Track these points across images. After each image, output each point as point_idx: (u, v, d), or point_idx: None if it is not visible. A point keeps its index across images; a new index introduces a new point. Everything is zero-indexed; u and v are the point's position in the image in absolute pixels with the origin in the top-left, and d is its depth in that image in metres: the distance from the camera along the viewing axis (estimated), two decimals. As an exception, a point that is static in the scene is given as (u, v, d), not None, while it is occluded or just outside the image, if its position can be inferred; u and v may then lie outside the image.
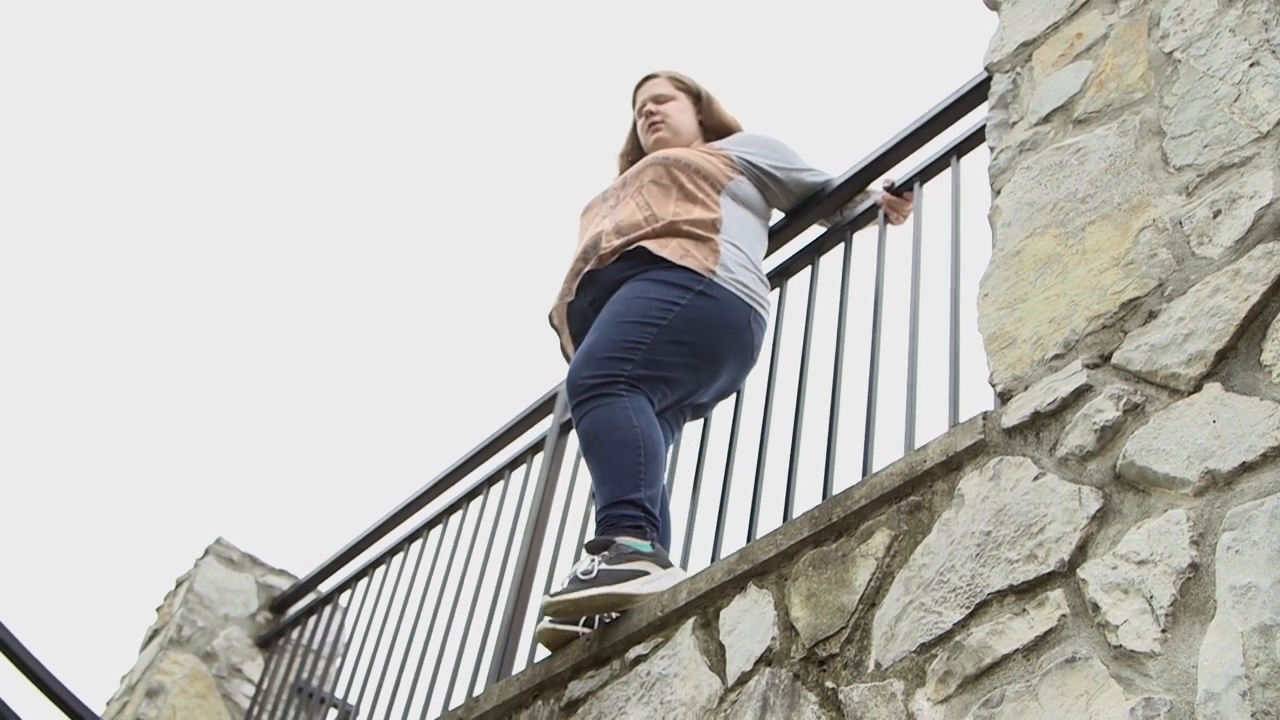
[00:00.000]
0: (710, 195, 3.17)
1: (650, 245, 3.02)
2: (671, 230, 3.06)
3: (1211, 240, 1.95)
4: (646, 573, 2.65)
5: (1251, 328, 1.82)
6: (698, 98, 3.54)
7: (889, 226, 3.11)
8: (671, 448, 3.20)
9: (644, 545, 2.70)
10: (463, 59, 16.28)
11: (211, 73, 15.97)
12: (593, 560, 2.66)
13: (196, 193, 15.69)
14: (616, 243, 3.08)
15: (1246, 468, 1.70)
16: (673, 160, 3.23)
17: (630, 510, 2.75)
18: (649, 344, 2.89)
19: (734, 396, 3.19)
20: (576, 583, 2.62)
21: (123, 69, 15.84)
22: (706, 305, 2.95)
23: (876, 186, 3.22)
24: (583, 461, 3.41)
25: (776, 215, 3.41)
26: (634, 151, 3.57)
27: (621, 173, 3.56)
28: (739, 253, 3.09)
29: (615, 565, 2.63)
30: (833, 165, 3.38)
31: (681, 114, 3.49)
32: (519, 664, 3.25)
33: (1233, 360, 1.82)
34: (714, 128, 3.52)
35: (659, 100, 3.50)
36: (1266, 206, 1.89)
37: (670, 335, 2.91)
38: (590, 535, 3.16)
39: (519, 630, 3.35)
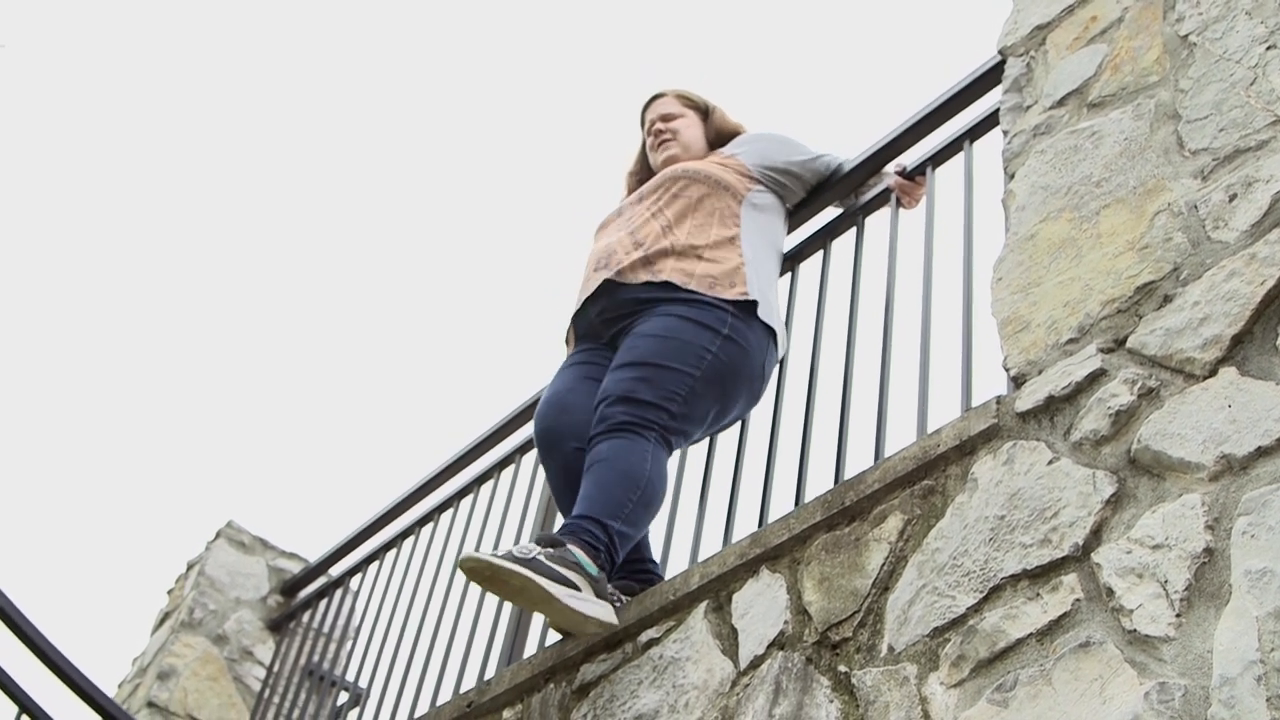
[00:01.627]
0: (730, 207, 3.15)
1: (675, 277, 2.99)
2: (693, 252, 3.04)
3: (1227, 224, 1.94)
4: (579, 590, 2.53)
5: (1267, 312, 1.81)
6: (705, 113, 3.52)
7: (901, 210, 3.09)
8: None
9: (592, 567, 2.60)
10: (463, 61, 16.25)
11: (212, 72, 15.97)
12: (533, 548, 2.55)
13: (207, 182, 15.70)
14: (636, 255, 3.05)
15: (1262, 452, 1.69)
16: (690, 173, 3.21)
17: (598, 531, 2.65)
18: (685, 395, 2.85)
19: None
20: (508, 555, 2.50)
21: (123, 69, 15.86)
22: (733, 352, 2.91)
23: (890, 169, 3.21)
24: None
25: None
26: (643, 171, 3.55)
27: (630, 190, 3.55)
28: (760, 274, 3.06)
29: (553, 564, 2.52)
30: (846, 150, 3.37)
31: (690, 130, 3.47)
32: (530, 647, 3.25)
33: (1248, 344, 1.81)
34: (722, 138, 3.51)
35: (667, 119, 3.48)
36: (1283, 190, 1.88)
37: (701, 385, 2.87)
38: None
39: (531, 613, 3.36)
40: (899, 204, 3.10)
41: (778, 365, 3.11)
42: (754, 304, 2.97)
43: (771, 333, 3.01)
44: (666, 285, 2.98)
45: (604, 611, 2.56)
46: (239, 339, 16.28)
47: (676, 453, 3.18)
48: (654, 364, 2.87)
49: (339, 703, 4.57)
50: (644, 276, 3.02)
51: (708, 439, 3.14)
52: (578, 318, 3.17)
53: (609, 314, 3.07)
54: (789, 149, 3.32)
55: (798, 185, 3.30)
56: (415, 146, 16.30)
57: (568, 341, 3.28)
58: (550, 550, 2.55)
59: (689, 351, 2.88)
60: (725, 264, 3.02)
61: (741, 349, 2.93)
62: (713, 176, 3.19)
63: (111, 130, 15.53)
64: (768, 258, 3.13)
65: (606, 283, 3.07)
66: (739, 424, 3.09)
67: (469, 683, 3.39)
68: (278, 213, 16.05)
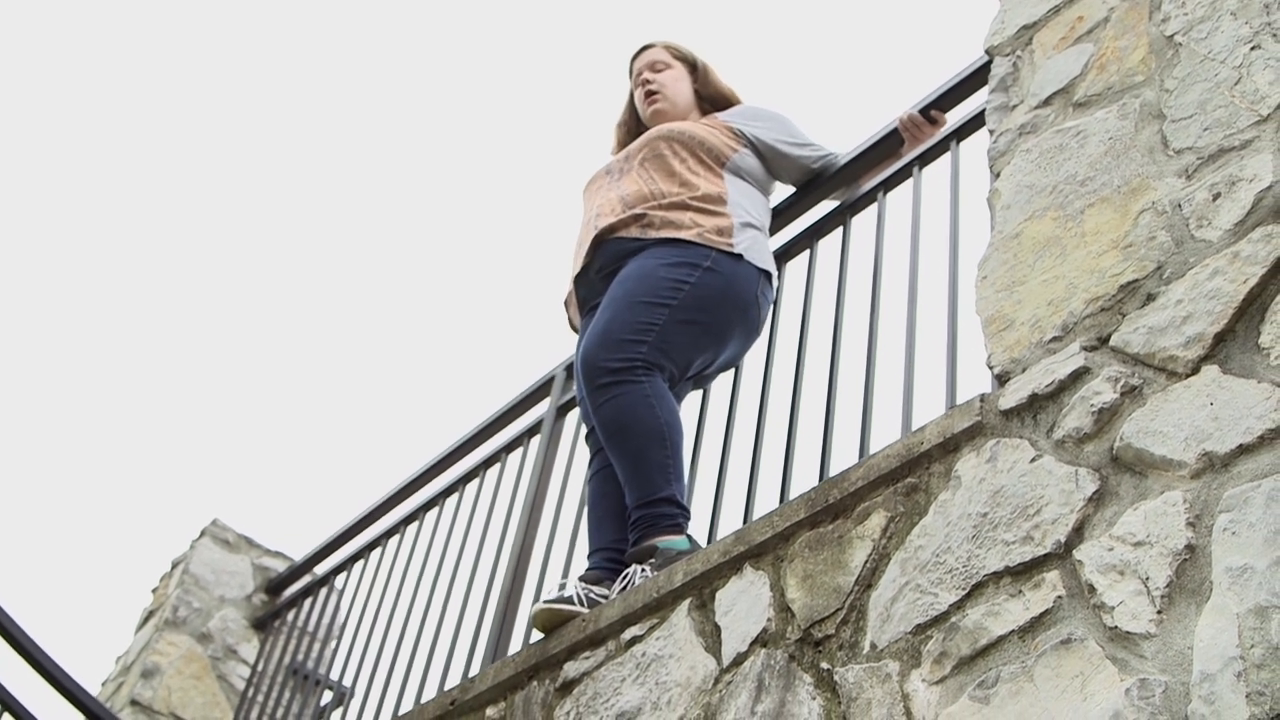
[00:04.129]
0: (714, 169, 3.19)
1: (665, 230, 3.03)
2: (679, 205, 3.07)
3: (1211, 223, 1.94)
4: None
5: (1250, 310, 1.82)
6: (694, 67, 3.55)
7: (888, 203, 3.08)
8: None
9: (682, 542, 2.72)
10: (453, 49, 16.26)
11: (210, 72, 15.94)
12: (641, 570, 2.66)
13: (197, 181, 15.67)
14: (624, 215, 3.10)
15: (1243, 450, 1.70)
16: (675, 134, 3.24)
17: (666, 508, 2.77)
18: (661, 325, 2.90)
19: (732, 377, 3.19)
20: (628, 591, 2.61)
21: (123, 68, 15.82)
22: (714, 281, 2.96)
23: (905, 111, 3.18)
24: (581, 444, 3.42)
25: (780, 189, 3.41)
26: (632, 121, 3.58)
27: (620, 143, 3.58)
28: (748, 218, 3.10)
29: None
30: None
31: (678, 83, 3.50)
32: (514, 645, 3.25)
33: (1231, 343, 1.82)
34: (710, 97, 3.53)
35: (655, 69, 3.51)
36: (1266, 190, 1.89)
37: (681, 315, 2.92)
38: (584, 521, 3.16)
39: (514, 611, 3.36)
40: (901, 140, 3.11)
41: (772, 305, 3.15)
42: (742, 245, 3.03)
43: (763, 271, 3.05)
44: (650, 225, 3.06)
45: None
46: (225, 338, 16.25)
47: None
48: (626, 301, 2.94)
49: (323, 701, 4.56)
50: (634, 232, 3.08)
51: (698, 432, 3.14)
52: (580, 282, 3.20)
53: (606, 269, 3.12)
54: (781, 128, 3.33)
55: (785, 164, 3.31)
56: (401, 150, 16.30)
57: (568, 305, 3.31)
58: (652, 561, 2.67)
59: (662, 285, 2.94)
60: (713, 220, 3.06)
61: (725, 278, 2.98)
62: (697, 137, 3.23)
63: (106, 129, 15.49)
64: (755, 217, 3.15)
65: (600, 240, 3.12)
66: (724, 421, 3.09)
67: (453, 680, 3.39)
68: (265, 213, 16.03)
